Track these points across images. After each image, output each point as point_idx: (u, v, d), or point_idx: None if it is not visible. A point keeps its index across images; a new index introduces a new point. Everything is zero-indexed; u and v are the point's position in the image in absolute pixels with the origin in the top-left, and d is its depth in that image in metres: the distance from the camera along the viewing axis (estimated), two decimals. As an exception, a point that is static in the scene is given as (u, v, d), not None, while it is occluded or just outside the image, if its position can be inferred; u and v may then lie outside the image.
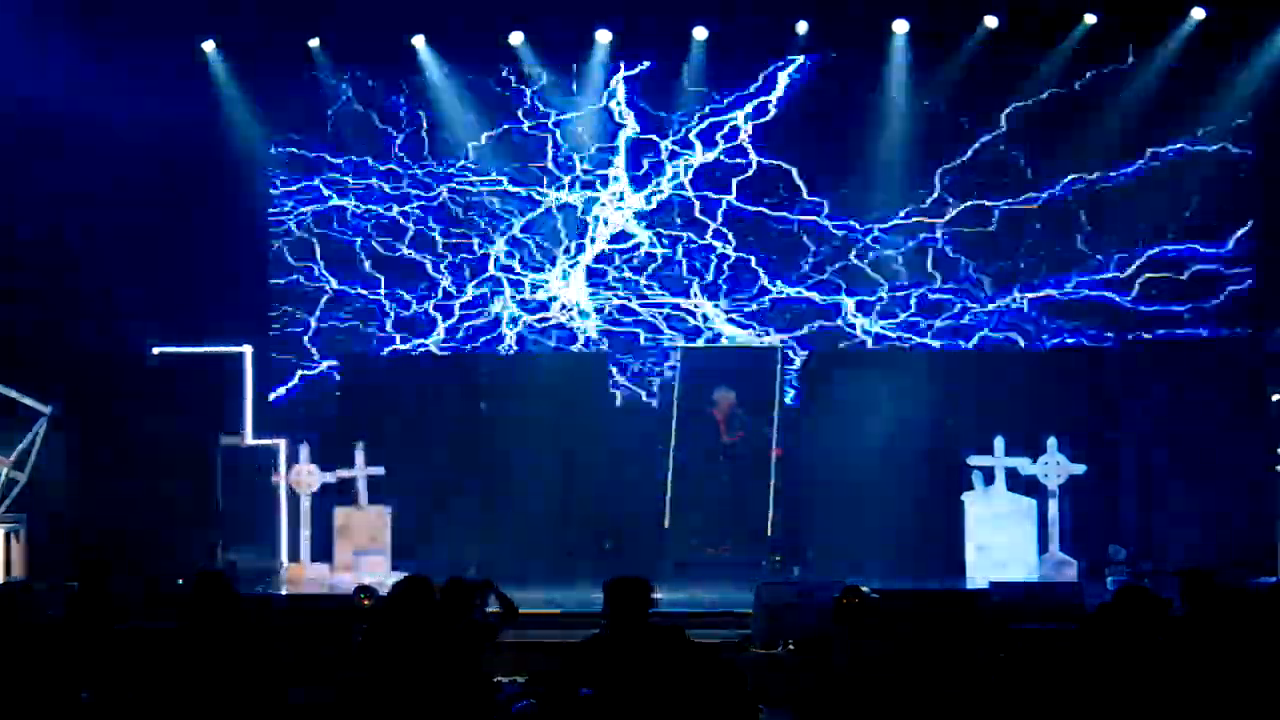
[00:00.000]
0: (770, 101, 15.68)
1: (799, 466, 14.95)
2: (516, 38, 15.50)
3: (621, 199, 15.75)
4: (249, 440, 14.85)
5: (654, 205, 15.76)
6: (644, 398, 15.67)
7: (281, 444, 14.77)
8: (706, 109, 15.72)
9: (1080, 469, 13.69)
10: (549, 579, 13.97)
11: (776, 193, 15.64)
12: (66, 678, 7.70)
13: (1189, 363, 13.74)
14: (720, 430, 14.86)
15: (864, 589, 10.42)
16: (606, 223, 15.78)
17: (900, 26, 15.27)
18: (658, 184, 15.79)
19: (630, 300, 15.75)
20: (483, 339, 15.96)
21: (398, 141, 15.96)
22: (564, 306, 15.81)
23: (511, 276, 15.94)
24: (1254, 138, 15.17)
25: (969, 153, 15.48)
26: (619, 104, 15.77)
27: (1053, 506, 13.65)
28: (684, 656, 7.05)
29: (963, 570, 13.64)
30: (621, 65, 15.68)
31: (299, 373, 15.99)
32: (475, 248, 15.94)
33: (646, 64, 15.70)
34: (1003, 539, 13.63)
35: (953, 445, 14.13)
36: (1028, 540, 13.60)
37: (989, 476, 13.82)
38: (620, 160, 15.76)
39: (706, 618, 10.92)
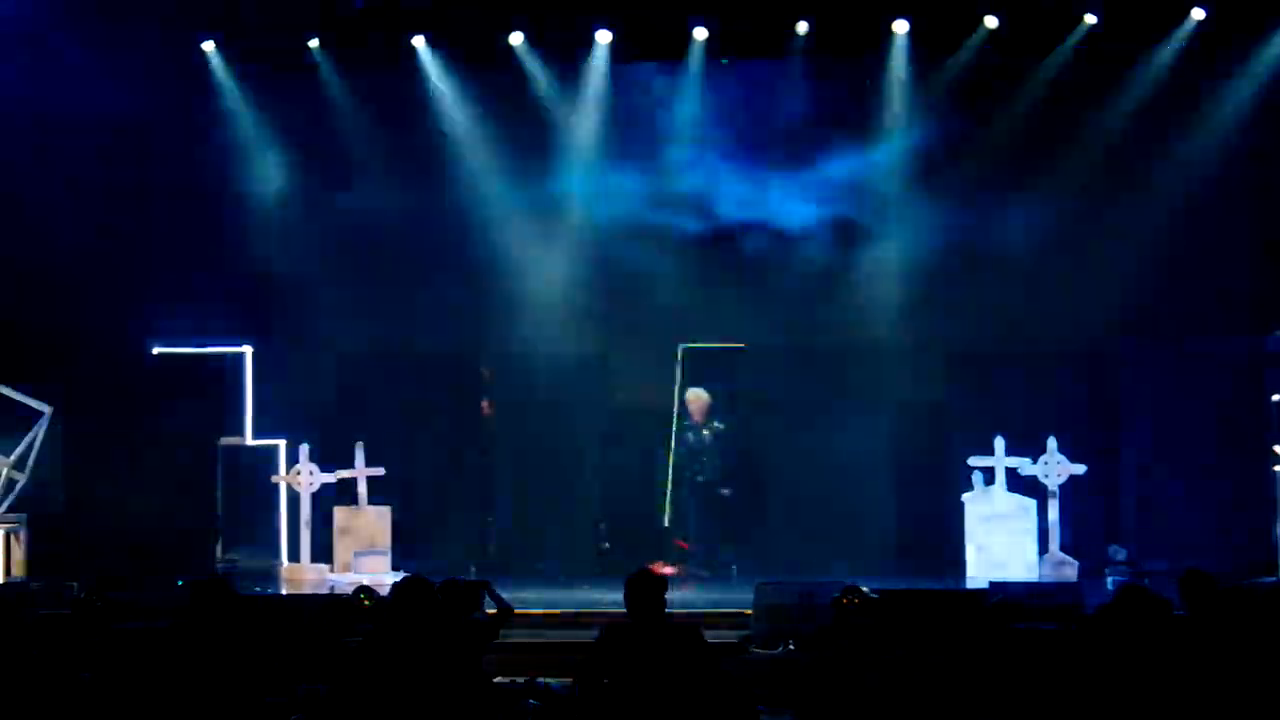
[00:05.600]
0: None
1: (796, 465, 14.95)
2: (517, 38, 15.51)
3: None
4: (249, 440, 14.84)
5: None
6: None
7: (281, 444, 14.76)
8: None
9: (1081, 469, 13.69)
10: (550, 579, 14.00)
11: None
12: (67, 664, 7.72)
13: (1189, 363, 13.73)
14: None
15: (864, 589, 10.44)
16: None
17: (900, 26, 15.27)
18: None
19: None
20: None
21: (399, 140, 15.94)
22: None
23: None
24: (1252, 137, 15.16)
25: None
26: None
27: (1053, 507, 13.66)
28: (694, 653, 7.26)
29: (963, 570, 13.65)
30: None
31: (299, 372, 15.96)
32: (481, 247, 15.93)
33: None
34: (1003, 539, 13.63)
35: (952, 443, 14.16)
36: (1028, 540, 13.60)
37: (989, 477, 13.82)
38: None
39: (706, 617, 10.90)
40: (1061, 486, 13.69)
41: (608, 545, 14.89)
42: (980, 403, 14.63)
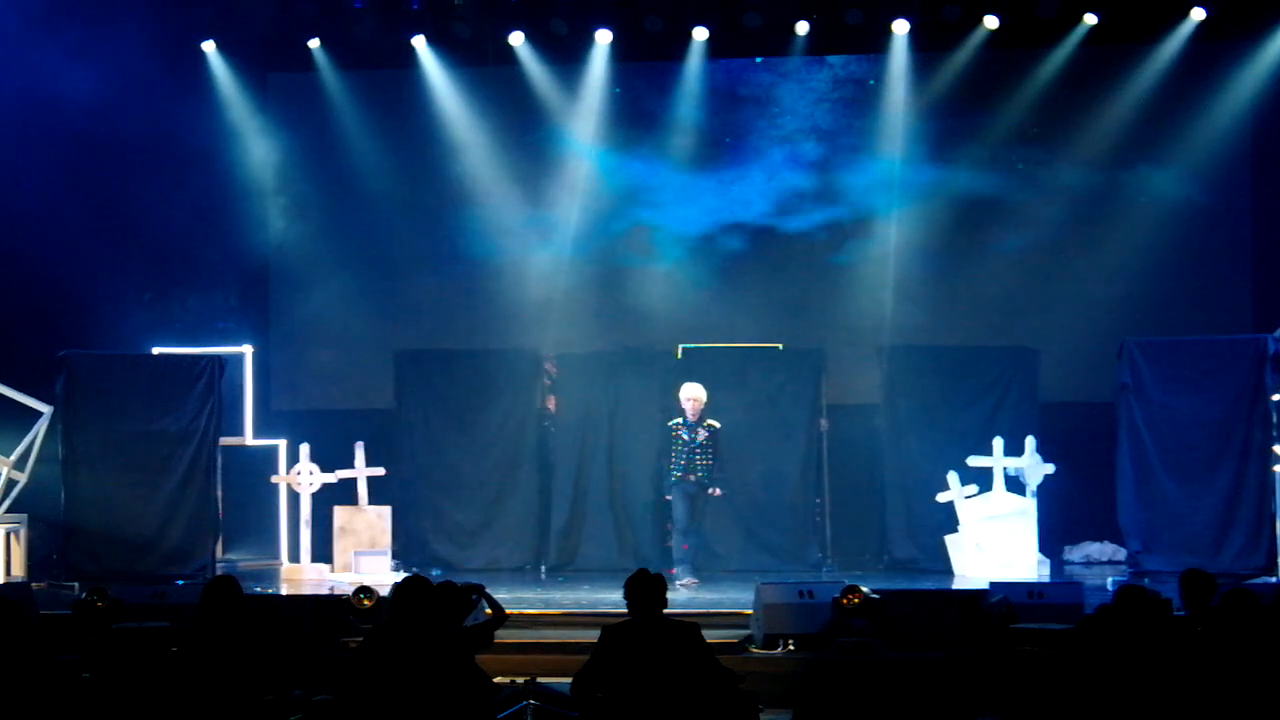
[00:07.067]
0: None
1: (792, 465, 14.94)
2: (517, 38, 15.51)
3: None
4: (249, 440, 14.83)
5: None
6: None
7: (282, 444, 14.76)
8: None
9: (1050, 468, 13.64)
10: (552, 579, 13.99)
11: None
12: (67, 664, 7.72)
13: (1188, 362, 13.71)
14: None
15: (864, 589, 10.44)
16: None
17: (900, 26, 15.27)
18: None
19: None
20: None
21: (398, 140, 15.93)
22: None
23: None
24: (1251, 136, 15.17)
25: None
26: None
27: (1031, 506, 13.63)
28: (693, 652, 7.38)
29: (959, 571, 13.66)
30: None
31: (300, 371, 15.97)
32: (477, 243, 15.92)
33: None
34: (1002, 539, 13.60)
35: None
36: (1026, 540, 13.57)
37: (965, 478, 13.77)
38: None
39: (706, 617, 10.89)
40: (1051, 486, 13.66)
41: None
42: (978, 402, 14.61)
